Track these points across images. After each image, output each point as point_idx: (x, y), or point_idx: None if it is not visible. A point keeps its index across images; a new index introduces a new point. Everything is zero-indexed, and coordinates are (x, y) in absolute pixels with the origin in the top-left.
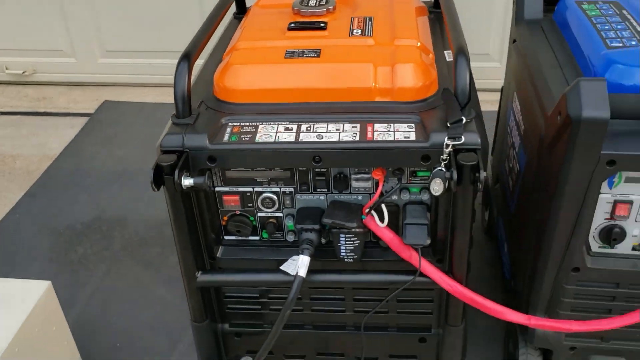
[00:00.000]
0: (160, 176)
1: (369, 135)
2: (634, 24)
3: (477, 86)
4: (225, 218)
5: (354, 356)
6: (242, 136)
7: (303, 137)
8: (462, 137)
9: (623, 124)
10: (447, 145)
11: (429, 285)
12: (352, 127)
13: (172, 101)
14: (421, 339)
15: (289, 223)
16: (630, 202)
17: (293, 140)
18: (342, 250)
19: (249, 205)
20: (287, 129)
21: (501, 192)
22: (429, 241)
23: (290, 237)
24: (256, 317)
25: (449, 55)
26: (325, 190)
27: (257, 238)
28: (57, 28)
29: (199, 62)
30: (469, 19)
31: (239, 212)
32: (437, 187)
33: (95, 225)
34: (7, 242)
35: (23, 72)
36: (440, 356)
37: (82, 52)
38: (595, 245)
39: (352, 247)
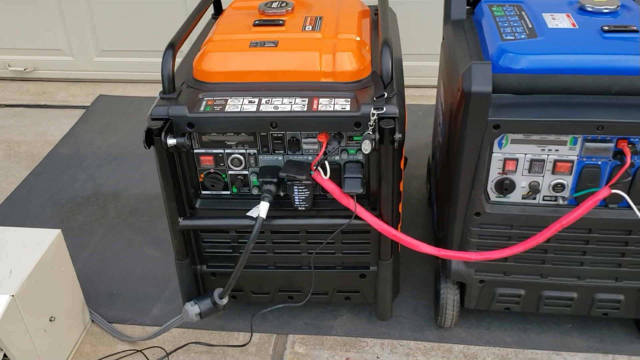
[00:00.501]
0: (151, 138)
1: (315, 106)
2: (527, 22)
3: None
4: (202, 175)
5: (309, 291)
6: (214, 107)
7: (263, 107)
8: (384, 108)
9: (506, 97)
10: (373, 114)
11: (364, 227)
12: (302, 100)
13: None
14: (361, 275)
15: (253, 179)
16: (517, 159)
17: (255, 110)
18: (296, 200)
19: (221, 164)
20: (250, 101)
21: (433, 164)
22: (362, 190)
23: (255, 191)
24: (228, 259)
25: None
26: (282, 151)
27: (228, 192)
28: (56, 29)
29: (184, 52)
30: (426, 21)
31: (213, 171)
32: (366, 146)
33: (93, 198)
34: (16, 213)
35: (25, 69)
36: (376, 289)
37: (79, 51)
38: (492, 195)
39: (303, 197)
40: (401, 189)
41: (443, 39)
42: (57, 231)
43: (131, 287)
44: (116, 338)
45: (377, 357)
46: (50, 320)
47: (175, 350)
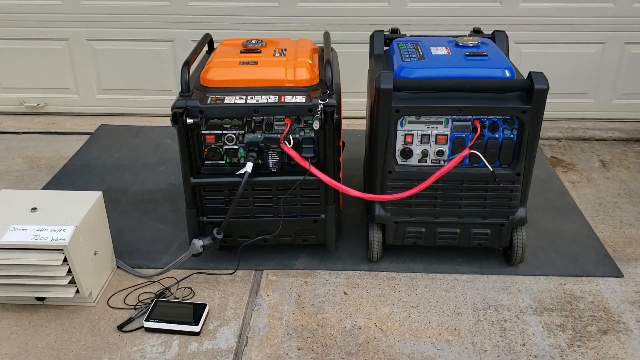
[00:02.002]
0: (175, 118)
1: (282, 100)
2: (420, 51)
3: None
4: (206, 150)
5: (278, 235)
6: (216, 101)
7: (248, 101)
8: (327, 100)
9: (403, 94)
10: (320, 104)
11: (316, 183)
12: (274, 97)
13: (151, 124)
14: (315, 220)
15: (241, 152)
16: (412, 134)
17: (243, 102)
18: (270, 163)
19: (219, 141)
20: (240, 98)
21: (365, 157)
22: (313, 155)
23: (242, 160)
24: (223, 211)
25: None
26: (260, 131)
27: (223, 162)
28: (65, 71)
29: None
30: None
31: (214, 146)
32: (316, 124)
33: (106, 194)
34: None
35: (37, 105)
36: (325, 229)
37: (83, 89)
38: (399, 159)
39: (275, 161)
40: (340, 160)
41: (368, 70)
42: (100, 193)
43: (144, 246)
44: (137, 276)
45: (327, 280)
46: (95, 254)
47: (183, 279)
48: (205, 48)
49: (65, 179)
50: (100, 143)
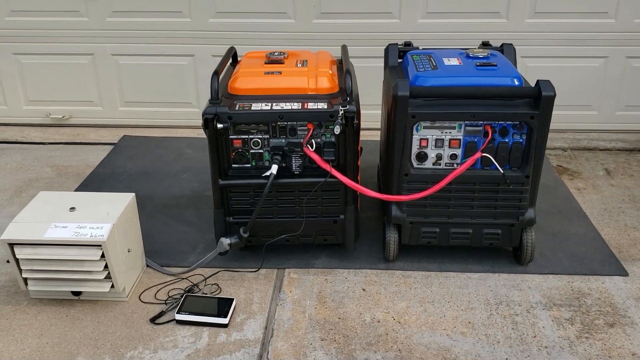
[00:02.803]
0: (207, 123)
1: (305, 106)
2: (433, 62)
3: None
4: (233, 153)
5: (300, 234)
6: (244, 108)
7: (274, 107)
8: (347, 106)
9: (419, 101)
10: (340, 110)
11: (336, 185)
12: (297, 103)
13: (173, 136)
14: (334, 221)
15: (266, 156)
16: (427, 139)
17: (269, 109)
18: (293, 166)
19: (246, 145)
20: (265, 105)
21: (379, 163)
22: (334, 158)
23: (267, 164)
24: (248, 212)
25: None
26: (284, 136)
27: (249, 165)
28: (90, 85)
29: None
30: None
31: (240, 150)
32: (337, 129)
33: None
34: None
35: (62, 117)
36: (344, 229)
37: (107, 102)
38: (415, 162)
39: (298, 164)
40: (359, 164)
41: (383, 81)
42: (133, 194)
43: (171, 247)
44: (166, 274)
45: (346, 278)
46: (128, 251)
47: (210, 276)
48: (230, 61)
49: (92, 185)
50: (124, 153)
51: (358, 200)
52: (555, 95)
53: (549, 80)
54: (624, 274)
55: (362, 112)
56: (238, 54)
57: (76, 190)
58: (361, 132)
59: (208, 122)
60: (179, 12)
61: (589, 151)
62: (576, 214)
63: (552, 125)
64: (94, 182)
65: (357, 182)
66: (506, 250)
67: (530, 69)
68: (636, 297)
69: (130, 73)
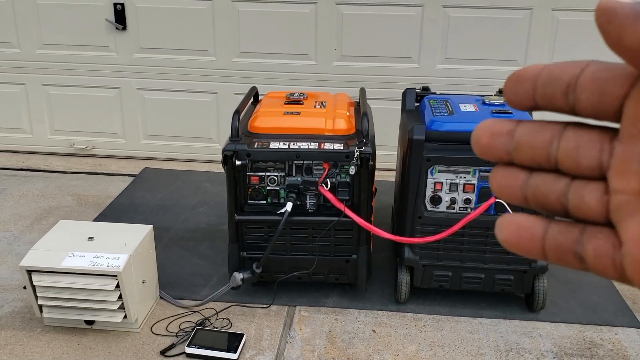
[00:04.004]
0: (226, 160)
1: (322, 147)
2: (449, 107)
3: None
4: (250, 190)
5: (312, 272)
6: (262, 145)
7: (291, 147)
8: (363, 147)
9: (434, 145)
10: (356, 151)
11: (349, 224)
12: (314, 143)
13: (192, 169)
14: (347, 260)
15: (282, 193)
16: (442, 182)
17: (286, 147)
18: (308, 204)
19: (262, 182)
20: (283, 144)
21: (394, 204)
22: (348, 198)
23: (282, 201)
24: (262, 248)
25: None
26: (300, 175)
27: (264, 202)
28: (114, 117)
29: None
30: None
31: (257, 187)
32: (352, 170)
33: None
34: None
35: (85, 147)
36: (356, 269)
37: (130, 134)
38: (429, 205)
39: (313, 202)
40: (372, 204)
41: (400, 124)
42: (150, 226)
43: (185, 280)
44: (178, 306)
45: (356, 318)
46: (143, 282)
47: (221, 310)
48: (251, 100)
49: (111, 215)
50: (144, 184)
51: (371, 240)
52: None
53: None
54: (638, 326)
55: (378, 153)
56: (260, 93)
57: (95, 219)
58: (377, 173)
59: (227, 159)
60: (204, 51)
61: None
62: None
63: None
64: (113, 212)
65: (370, 222)
66: (518, 296)
67: (548, 115)
68: None
69: (154, 107)
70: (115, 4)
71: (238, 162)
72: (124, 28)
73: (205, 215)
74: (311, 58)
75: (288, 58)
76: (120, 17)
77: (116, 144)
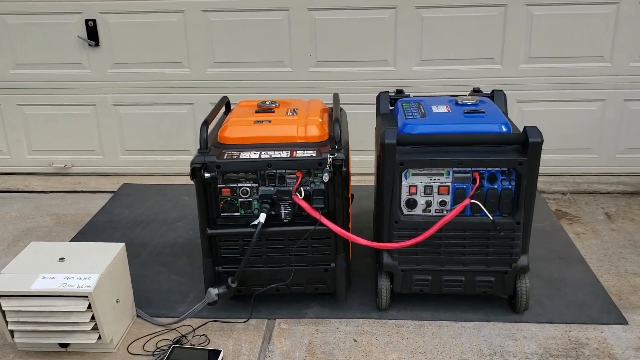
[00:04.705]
0: (194, 173)
1: (294, 155)
2: (422, 110)
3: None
4: (222, 202)
5: (290, 284)
6: (232, 156)
7: (262, 156)
8: (335, 154)
9: (407, 148)
10: (329, 158)
11: (326, 232)
12: (286, 152)
13: (171, 183)
14: (325, 269)
15: (255, 204)
16: (416, 186)
17: (257, 157)
18: (282, 214)
19: (235, 194)
20: (254, 153)
21: (374, 210)
22: (323, 205)
23: (256, 212)
24: (237, 262)
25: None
26: (273, 184)
27: (238, 214)
28: (92, 135)
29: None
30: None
31: (229, 198)
32: (326, 177)
33: (127, 247)
34: None
35: (64, 166)
36: (335, 277)
37: (108, 151)
38: (405, 209)
39: (287, 212)
40: (349, 211)
41: (375, 128)
42: (122, 244)
43: (163, 296)
44: (155, 324)
45: (337, 328)
46: (117, 302)
47: (199, 327)
48: (223, 109)
49: (89, 233)
50: (122, 200)
51: (350, 247)
52: (542, 141)
53: (536, 127)
54: (624, 322)
55: (358, 157)
56: (236, 103)
57: (73, 239)
58: (358, 178)
59: (195, 172)
60: (178, 63)
61: (589, 195)
62: (575, 259)
63: (552, 169)
64: (92, 230)
65: (347, 229)
66: (501, 298)
67: (527, 114)
68: (636, 347)
69: (130, 122)
70: (87, 21)
71: (207, 175)
72: (97, 44)
73: (183, 230)
74: (287, 65)
75: (263, 66)
76: (92, 33)
77: (94, 161)
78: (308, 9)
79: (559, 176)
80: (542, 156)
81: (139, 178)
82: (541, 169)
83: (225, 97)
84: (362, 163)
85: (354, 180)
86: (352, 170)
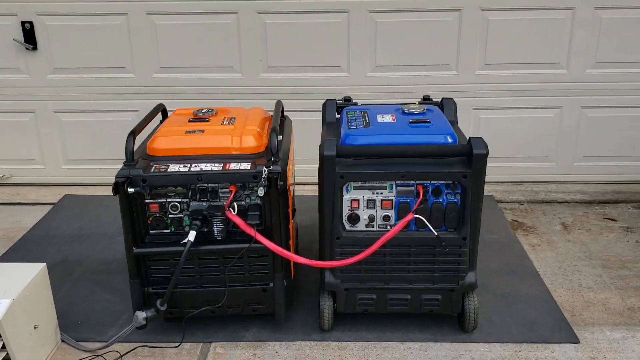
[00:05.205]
0: (117, 188)
1: (227, 167)
2: (366, 119)
3: None
4: (150, 219)
5: (226, 305)
6: (160, 169)
7: (192, 169)
8: (271, 167)
9: (348, 160)
10: (264, 171)
11: (264, 250)
12: (218, 164)
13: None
14: (263, 289)
15: (186, 220)
16: (358, 200)
17: (186, 170)
18: (215, 231)
19: (164, 210)
20: (184, 166)
21: None
22: (259, 221)
23: (187, 229)
24: (168, 282)
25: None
26: (205, 199)
27: (168, 231)
28: (32, 144)
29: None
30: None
31: (158, 215)
32: (261, 191)
33: (61, 265)
34: None
35: (2, 176)
36: (274, 300)
37: (49, 160)
38: (347, 225)
39: (220, 229)
40: (290, 227)
41: (321, 137)
42: (43, 264)
43: (93, 318)
44: (81, 350)
45: (276, 352)
46: (35, 328)
47: (127, 353)
48: (155, 118)
49: (21, 250)
50: (61, 213)
51: (291, 265)
52: (487, 153)
53: (481, 138)
54: (575, 341)
55: (311, 167)
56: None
57: (2, 255)
58: (312, 187)
59: (118, 186)
60: (122, 68)
61: (547, 204)
62: (529, 273)
63: (509, 178)
64: (24, 246)
65: (287, 247)
66: (451, 315)
67: (483, 121)
68: None
69: (73, 130)
70: (23, 23)
71: (131, 190)
72: (35, 48)
73: (122, 245)
74: (236, 70)
75: (212, 71)
76: (29, 36)
77: (35, 171)
78: (258, 12)
79: (516, 185)
80: (499, 164)
81: (82, 189)
82: (498, 178)
83: (160, 105)
84: (314, 172)
85: (307, 190)
86: (304, 179)
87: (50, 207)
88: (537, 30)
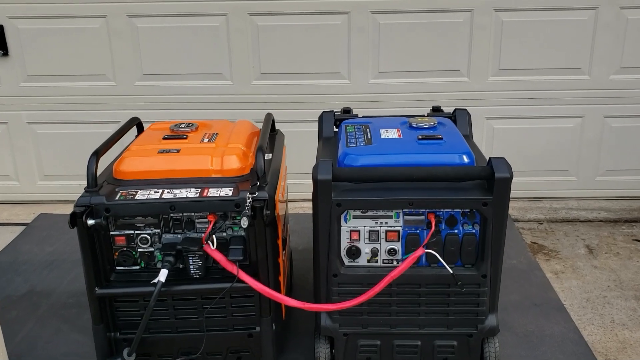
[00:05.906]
0: (74, 219)
1: (205, 194)
2: (368, 134)
3: None
4: (116, 254)
5: (206, 353)
6: (127, 197)
7: (164, 196)
8: (257, 193)
9: (346, 184)
10: (248, 197)
11: (248, 290)
12: (195, 189)
13: None
14: (249, 334)
15: (158, 255)
16: (359, 230)
17: (157, 197)
18: (191, 269)
19: (132, 243)
20: (155, 192)
21: None
22: (242, 257)
23: (159, 265)
24: (138, 326)
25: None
26: (180, 230)
27: (137, 267)
28: (4, 158)
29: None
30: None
31: (125, 249)
32: (244, 222)
33: (27, 296)
34: None
35: None
36: (260, 347)
37: (24, 176)
38: (345, 260)
39: (197, 266)
40: (280, 260)
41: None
42: None
43: None
44: None
45: None
46: None
47: None
48: (128, 134)
49: None
50: (34, 235)
51: (282, 305)
52: (511, 176)
53: (503, 158)
54: None
55: (307, 182)
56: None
57: None
58: (308, 204)
59: (75, 218)
60: (102, 75)
61: (568, 223)
62: (553, 306)
63: (526, 194)
64: None
65: (277, 284)
66: None
67: (498, 132)
68: None
69: (49, 143)
70: None
71: (90, 222)
72: (5, 54)
73: None
74: (226, 78)
75: (200, 79)
76: None
77: (8, 188)
78: (249, 13)
79: (533, 201)
80: (515, 179)
81: (59, 206)
82: (514, 194)
83: (135, 118)
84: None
85: (304, 208)
86: (300, 196)
87: (22, 227)
88: (556, 32)
